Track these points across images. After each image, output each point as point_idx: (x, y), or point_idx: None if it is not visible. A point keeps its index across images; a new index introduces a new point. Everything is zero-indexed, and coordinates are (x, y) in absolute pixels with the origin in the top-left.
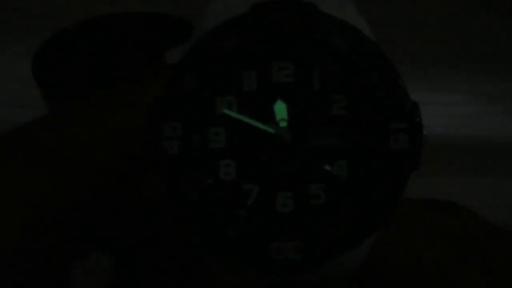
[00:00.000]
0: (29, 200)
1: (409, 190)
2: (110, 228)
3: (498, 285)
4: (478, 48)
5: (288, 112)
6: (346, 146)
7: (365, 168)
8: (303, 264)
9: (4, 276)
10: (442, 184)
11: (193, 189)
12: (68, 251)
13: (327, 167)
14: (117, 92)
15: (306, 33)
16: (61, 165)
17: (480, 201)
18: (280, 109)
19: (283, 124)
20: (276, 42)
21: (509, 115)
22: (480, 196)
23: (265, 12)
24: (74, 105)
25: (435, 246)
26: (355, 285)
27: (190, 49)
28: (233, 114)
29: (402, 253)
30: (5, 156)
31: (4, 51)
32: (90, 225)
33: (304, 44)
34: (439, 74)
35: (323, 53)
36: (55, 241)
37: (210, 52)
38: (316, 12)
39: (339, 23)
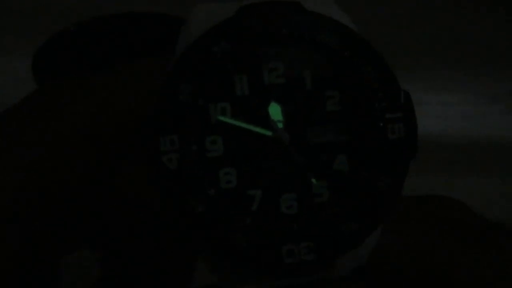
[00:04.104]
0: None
1: (408, 190)
2: (97, 220)
3: (502, 276)
4: (478, 48)
5: (283, 113)
6: (344, 140)
7: (365, 161)
8: (316, 264)
9: None
10: (442, 184)
11: (196, 202)
12: (56, 243)
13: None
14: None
15: (294, 32)
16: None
17: (480, 201)
18: (275, 111)
19: (279, 125)
20: (265, 43)
21: (509, 115)
22: (480, 196)
23: (252, 14)
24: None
25: (435, 237)
26: (361, 285)
27: (180, 57)
28: (229, 120)
29: (402, 247)
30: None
31: (4, 51)
32: (77, 215)
33: (293, 44)
34: (439, 74)
35: (312, 51)
36: (42, 232)
37: (201, 59)
38: (302, 10)
39: (326, 20)
